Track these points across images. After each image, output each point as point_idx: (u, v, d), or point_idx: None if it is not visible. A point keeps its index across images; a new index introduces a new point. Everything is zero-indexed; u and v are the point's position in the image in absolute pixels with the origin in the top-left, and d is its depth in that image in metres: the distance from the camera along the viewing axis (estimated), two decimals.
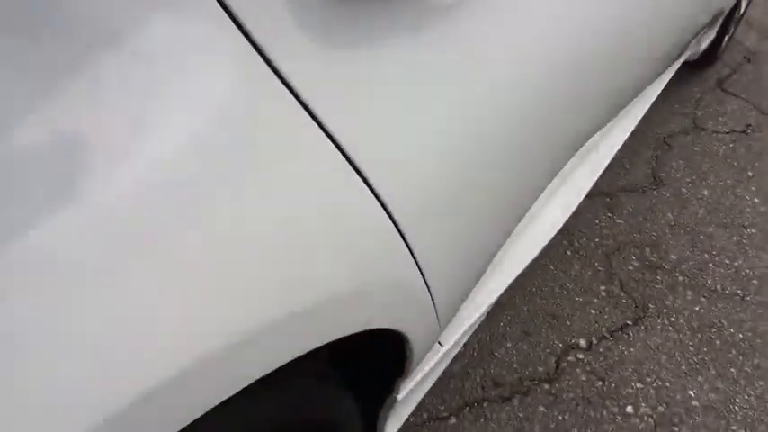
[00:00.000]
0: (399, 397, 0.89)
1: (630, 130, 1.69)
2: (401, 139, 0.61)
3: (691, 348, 1.62)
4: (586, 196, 1.47)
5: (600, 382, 1.51)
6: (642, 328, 1.66)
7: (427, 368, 0.93)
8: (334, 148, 0.53)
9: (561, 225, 1.34)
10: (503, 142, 0.78)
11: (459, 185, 0.72)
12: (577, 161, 1.33)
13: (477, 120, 0.72)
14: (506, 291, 1.67)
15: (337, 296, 0.54)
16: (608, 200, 2.07)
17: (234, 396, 0.47)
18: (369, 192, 0.57)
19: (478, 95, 0.71)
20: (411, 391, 0.92)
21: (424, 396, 1.40)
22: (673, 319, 1.69)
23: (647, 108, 1.81)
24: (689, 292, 1.76)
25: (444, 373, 1.47)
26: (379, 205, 0.58)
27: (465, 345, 1.54)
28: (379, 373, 0.86)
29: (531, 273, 1.76)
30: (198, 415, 0.44)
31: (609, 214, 2.02)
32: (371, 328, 0.62)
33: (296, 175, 0.50)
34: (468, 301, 1.00)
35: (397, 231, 0.61)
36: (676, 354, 1.60)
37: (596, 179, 1.49)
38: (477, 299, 1.05)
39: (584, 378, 1.52)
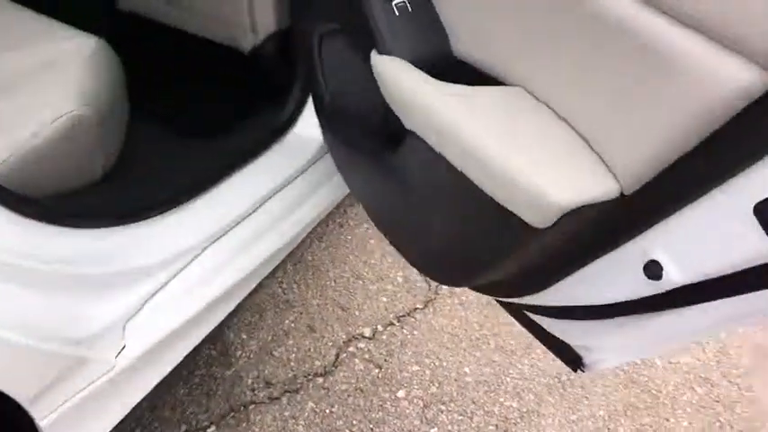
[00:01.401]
0: (44, 423, 0.88)
1: None
2: None
3: (475, 325, 1.67)
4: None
5: (377, 370, 1.54)
6: (431, 310, 1.70)
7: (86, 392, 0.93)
8: None
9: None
10: None
11: None
12: None
13: None
14: (297, 287, 1.69)
15: None
16: None
17: None
18: None
19: None
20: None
21: (186, 407, 1.40)
22: (464, 298, 1.73)
23: None
24: None
25: (214, 378, 1.47)
26: None
27: (242, 347, 1.54)
28: None
29: (327, 265, 1.78)
30: None
31: None
32: None
33: None
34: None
35: None
36: (459, 332, 1.65)
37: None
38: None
39: (361, 368, 1.54)
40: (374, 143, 0.98)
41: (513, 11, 0.75)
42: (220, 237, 1.24)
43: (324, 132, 1.22)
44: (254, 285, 1.37)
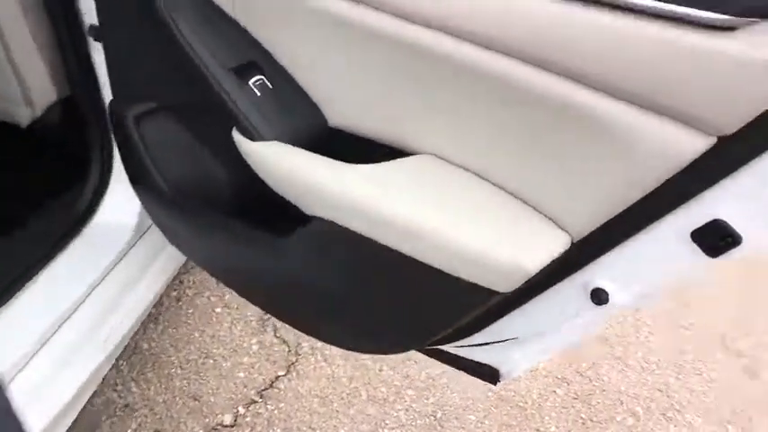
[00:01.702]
0: None
1: None
2: None
3: (344, 380, 1.59)
4: None
5: None
6: (295, 374, 1.58)
7: None
8: None
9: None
10: None
11: None
12: None
13: None
14: (136, 385, 1.46)
15: None
16: None
17: None
18: None
19: None
20: None
21: None
22: (327, 353, 1.64)
23: None
24: None
25: None
26: None
27: None
28: None
29: (169, 350, 1.56)
30: None
31: None
32: None
33: None
34: None
35: None
36: (328, 392, 1.55)
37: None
38: None
39: None
40: (243, 227, 0.90)
41: (410, 80, 0.72)
42: (22, 367, 1.01)
43: (155, 215, 1.07)
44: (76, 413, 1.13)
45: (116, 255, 1.15)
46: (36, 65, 1.15)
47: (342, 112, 0.82)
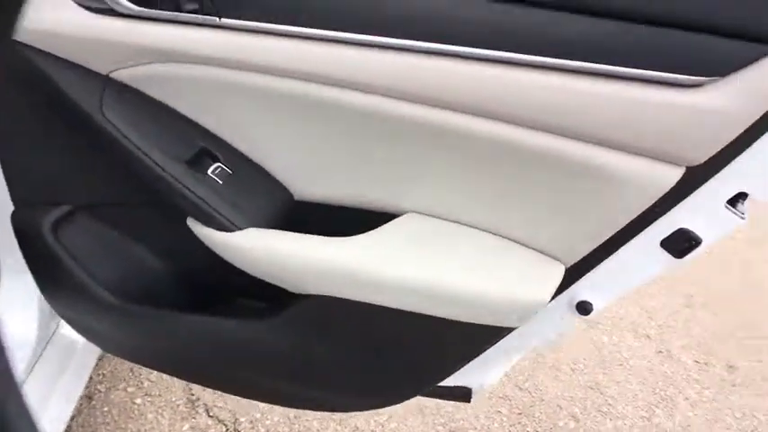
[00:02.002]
0: None
1: None
2: None
3: None
4: None
5: None
6: None
7: None
8: None
9: None
10: None
11: None
12: None
13: None
14: None
15: None
16: None
17: None
18: None
19: None
20: None
21: None
22: (268, 422, 1.55)
23: None
24: None
25: None
26: None
27: None
28: None
29: None
30: None
31: None
32: None
33: None
34: None
35: None
36: None
37: None
38: None
39: None
40: (214, 319, 0.88)
41: (378, 145, 0.73)
42: None
43: (82, 325, 0.99)
44: None
45: (23, 370, 1.00)
46: None
47: (308, 184, 0.81)
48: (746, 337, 2.08)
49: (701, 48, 0.58)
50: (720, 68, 0.57)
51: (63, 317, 0.96)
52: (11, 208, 0.89)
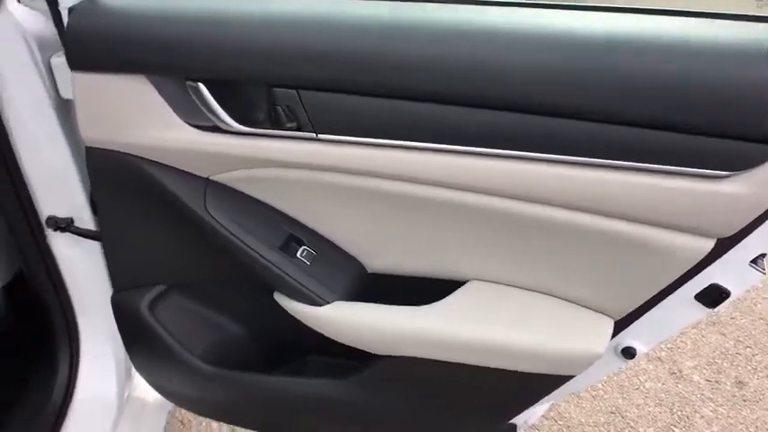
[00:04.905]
0: None
1: None
2: None
3: None
4: None
5: None
6: None
7: None
8: None
9: None
10: None
11: None
12: None
13: None
14: None
15: None
16: None
17: None
18: None
19: None
20: None
21: None
22: None
23: None
24: None
25: None
26: None
27: None
28: None
29: None
30: None
31: None
32: None
33: None
34: None
35: None
36: None
37: None
38: None
39: None
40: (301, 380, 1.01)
41: (442, 225, 0.85)
42: None
43: (176, 393, 1.09)
44: None
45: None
46: None
47: (380, 259, 0.93)
48: (753, 354, 2.19)
49: (719, 148, 0.70)
50: (737, 162, 0.70)
51: (152, 384, 1.07)
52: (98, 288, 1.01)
